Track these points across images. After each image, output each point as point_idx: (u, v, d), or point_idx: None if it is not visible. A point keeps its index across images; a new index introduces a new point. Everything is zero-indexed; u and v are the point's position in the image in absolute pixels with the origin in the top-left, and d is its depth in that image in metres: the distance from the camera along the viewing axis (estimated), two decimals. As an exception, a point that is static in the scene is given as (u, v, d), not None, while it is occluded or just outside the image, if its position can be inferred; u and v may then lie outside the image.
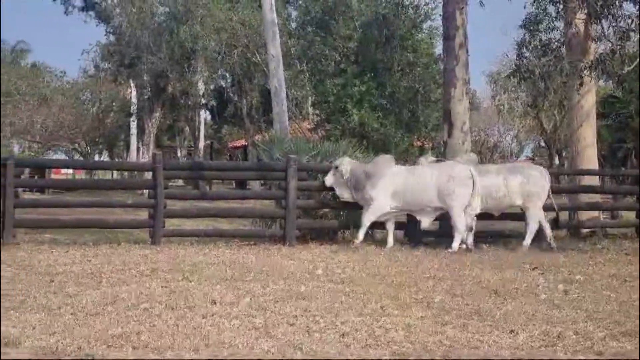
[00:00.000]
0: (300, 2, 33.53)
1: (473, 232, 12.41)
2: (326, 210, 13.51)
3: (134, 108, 40.01)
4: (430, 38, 25.40)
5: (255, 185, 27.37)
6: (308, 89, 29.55)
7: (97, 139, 46.62)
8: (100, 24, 37.98)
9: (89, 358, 5.07)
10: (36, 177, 28.81)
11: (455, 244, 12.00)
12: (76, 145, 44.59)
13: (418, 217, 12.54)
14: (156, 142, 39.94)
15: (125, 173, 41.18)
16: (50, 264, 9.34)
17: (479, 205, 12.39)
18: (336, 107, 23.77)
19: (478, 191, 12.27)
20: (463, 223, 12.13)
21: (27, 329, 5.74)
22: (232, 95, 39.15)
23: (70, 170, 44.86)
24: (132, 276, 8.49)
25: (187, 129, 45.24)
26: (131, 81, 38.92)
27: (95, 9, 37.66)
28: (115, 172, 41.64)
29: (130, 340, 5.48)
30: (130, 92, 40.44)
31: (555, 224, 13.56)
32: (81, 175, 44.75)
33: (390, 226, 12.63)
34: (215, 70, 37.11)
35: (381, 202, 12.24)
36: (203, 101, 39.40)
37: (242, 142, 43.45)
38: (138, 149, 40.65)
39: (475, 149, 24.66)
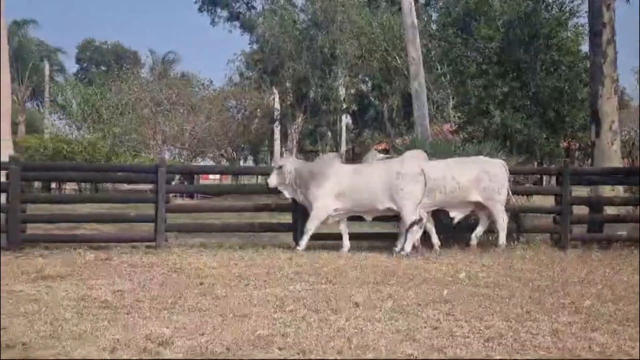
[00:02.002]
0: (441, 4, 33.36)
1: (421, 231, 11.75)
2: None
3: (277, 114, 40.82)
4: (577, 35, 24.62)
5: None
6: (449, 91, 29.29)
7: (242, 145, 47.80)
8: (244, 33, 39.13)
9: (237, 358, 5.23)
10: (185, 182, 29.85)
11: (408, 246, 11.46)
12: (222, 151, 45.92)
13: (367, 218, 12.14)
14: (299, 147, 40.63)
15: (270, 178, 41.89)
16: (199, 267, 9.65)
17: (428, 202, 11.71)
18: (478, 109, 23.39)
19: (426, 188, 11.59)
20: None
21: (178, 330, 5.97)
22: (372, 99, 39.39)
23: (218, 176, 46.20)
24: (277, 279, 8.67)
25: (329, 133, 45.75)
26: (274, 88, 39.75)
27: (239, 19, 38.80)
28: (259, 177, 42.55)
29: (276, 341, 5.61)
30: (274, 99, 41.28)
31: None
32: (227, 180, 46.02)
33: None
34: (355, 74, 37.42)
35: (324, 204, 11.78)
36: (344, 106, 39.77)
37: (384, 145, 43.55)
38: (281, 154, 41.39)
39: (625, 150, 23.64)
